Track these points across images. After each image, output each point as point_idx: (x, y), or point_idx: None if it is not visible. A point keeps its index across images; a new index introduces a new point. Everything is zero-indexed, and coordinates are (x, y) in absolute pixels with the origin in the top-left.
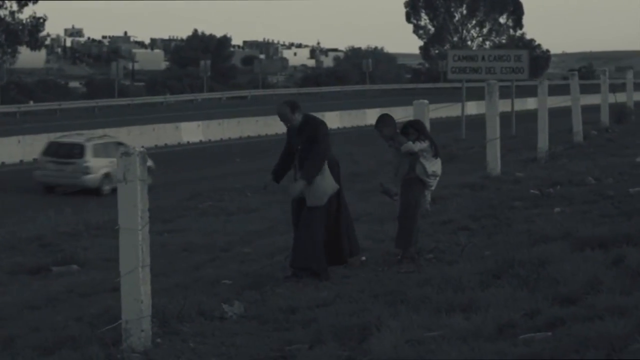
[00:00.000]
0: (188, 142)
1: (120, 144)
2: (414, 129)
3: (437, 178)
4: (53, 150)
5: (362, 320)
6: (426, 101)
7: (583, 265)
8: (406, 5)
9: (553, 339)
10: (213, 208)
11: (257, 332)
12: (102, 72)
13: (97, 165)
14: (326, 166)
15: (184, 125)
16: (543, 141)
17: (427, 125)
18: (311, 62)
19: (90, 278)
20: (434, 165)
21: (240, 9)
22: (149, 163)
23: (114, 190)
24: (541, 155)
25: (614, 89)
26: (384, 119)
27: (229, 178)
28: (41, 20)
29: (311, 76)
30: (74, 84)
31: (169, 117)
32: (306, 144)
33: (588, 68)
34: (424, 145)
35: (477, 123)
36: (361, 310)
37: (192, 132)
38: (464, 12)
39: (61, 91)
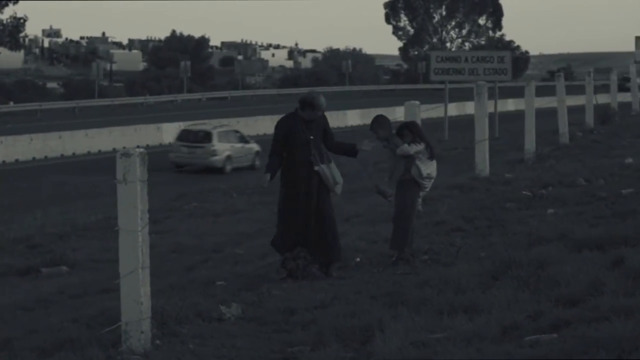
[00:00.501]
0: (169, 143)
1: (236, 132)
2: (409, 130)
3: (432, 180)
4: (185, 136)
5: (363, 322)
6: (417, 102)
7: (583, 267)
8: (386, 6)
9: (559, 340)
10: (199, 209)
11: (257, 333)
12: (79, 73)
13: (222, 149)
14: None
15: (166, 126)
16: (530, 142)
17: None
18: (289, 63)
19: (81, 279)
20: (429, 168)
21: (218, 10)
22: (257, 147)
23: (234, 170)
24: (528, 156)
25: (595, 90)
26: (378, 120)
27: (212, 179)
28: (22, 21)
29: (291, 77)
30: (51, 84)
31: (150, 118)
32: (320, 134)
33: (567, 69)
34: (419, 147)
35: (458, 124)
36: (361, 312)
37: (173, 132)
38: (444, 13)
39: (39, 92)
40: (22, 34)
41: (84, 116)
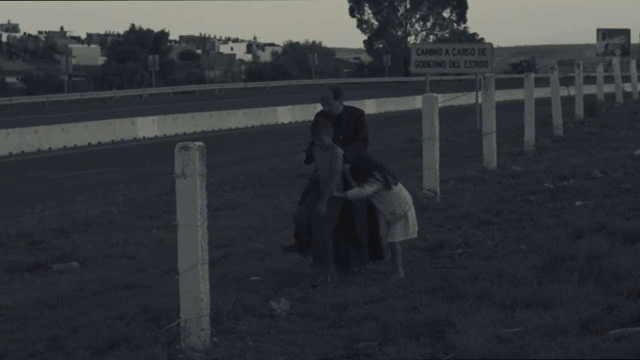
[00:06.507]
0: (144, 137)
1: None
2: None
3: (409, 202)
4: None
5: (429, 316)
6: (435, 94)
7: None
8: None
9: None
10: None
11: (314, 329)
12: (38, 68)
13: None
14: None
15: (140, 120)
16: (530, 134)
17: (436, 116)
18: (248, 57)
19: (96, 275)
20: (393, 199)
21: (176, 3)
22: None
23: None
24: (528, 148)
25: (561, 82)
26: (322, 124)
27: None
28: None
29: (256, 70)
30: (10, 79)
31: (121, 112)
32: (349, 133)
33: (530, 62)
34: (372, 188)
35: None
36: (422, 307)
37: (147, 127)
38: (408, 6)
39: None
40: None
41: (55, 111)
